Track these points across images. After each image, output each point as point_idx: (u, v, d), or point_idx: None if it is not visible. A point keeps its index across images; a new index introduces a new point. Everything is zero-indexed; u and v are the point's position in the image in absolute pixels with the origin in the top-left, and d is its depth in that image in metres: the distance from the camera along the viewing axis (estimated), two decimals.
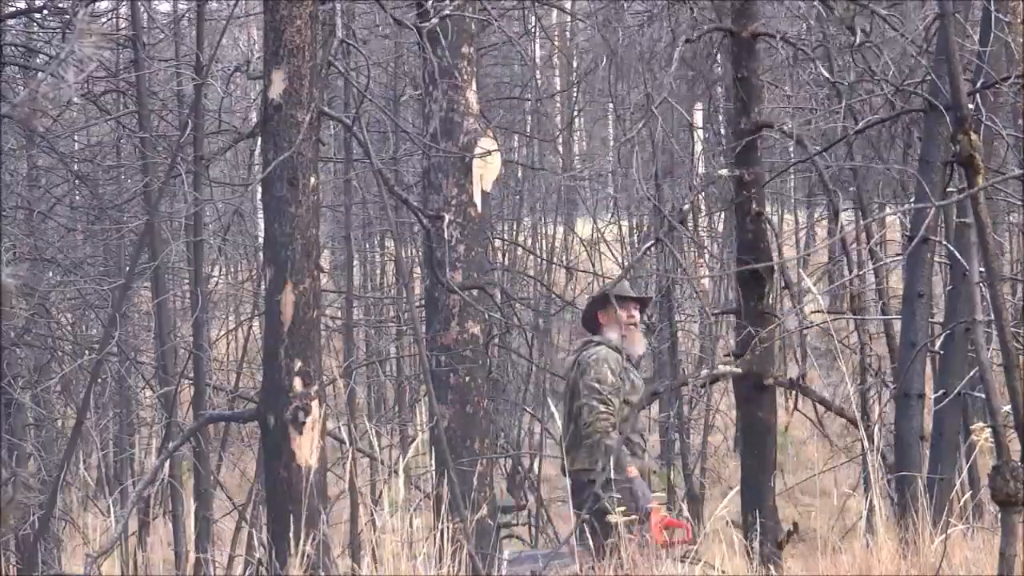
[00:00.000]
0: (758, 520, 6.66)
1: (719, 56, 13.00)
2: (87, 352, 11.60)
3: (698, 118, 14.77)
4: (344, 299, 14.59)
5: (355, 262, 18.38)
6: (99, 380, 12.27)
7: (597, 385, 7.32)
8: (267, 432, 6.08)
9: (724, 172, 7.50)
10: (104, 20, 13.40)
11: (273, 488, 6.06)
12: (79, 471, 11.85)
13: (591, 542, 6.78)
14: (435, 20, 6.77)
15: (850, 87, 8.74)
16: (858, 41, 7.40)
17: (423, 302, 9.65)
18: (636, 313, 7.69)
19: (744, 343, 7.26)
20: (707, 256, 15.80)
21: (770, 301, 7.31)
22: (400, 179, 14.59)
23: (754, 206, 7.09)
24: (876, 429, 7.49)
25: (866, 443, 6.92)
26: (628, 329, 7.58)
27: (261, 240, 9.06)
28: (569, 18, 17.21)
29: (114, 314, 9.57)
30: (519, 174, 18.01)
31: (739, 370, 7.27)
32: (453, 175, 9.15)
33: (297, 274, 6.06)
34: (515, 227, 18.53)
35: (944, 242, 8.56)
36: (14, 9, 11.63)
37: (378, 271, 21.08)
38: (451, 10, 7.45)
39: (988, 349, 6.49)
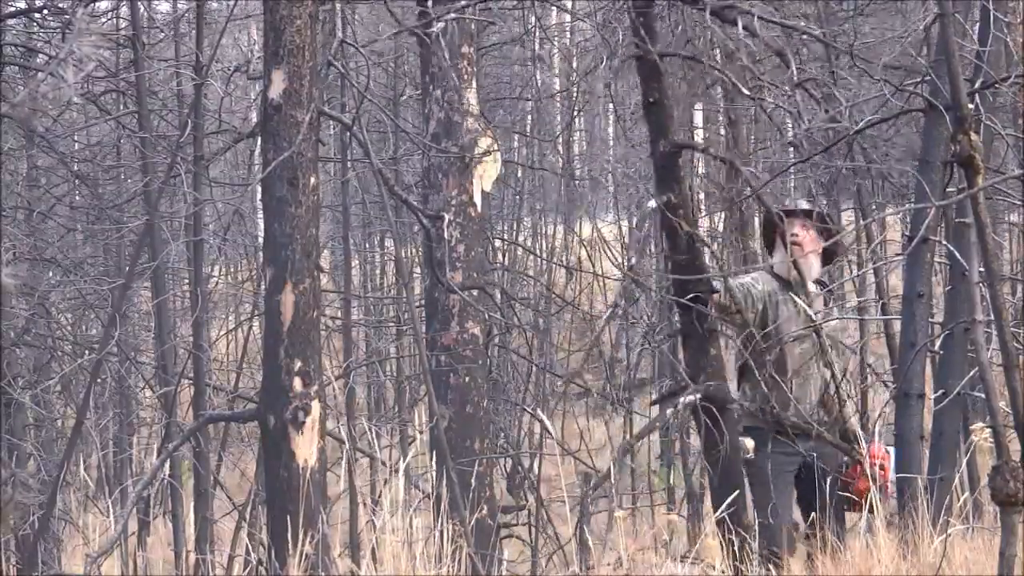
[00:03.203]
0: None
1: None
2: (87, 352, 11.60)
3: (698, 118, 14.78)
4: (343, 299, 14.59)
5: (355, 262, 18.39)
6: (99, 380, 12.27)
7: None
8: (267, 432, 6.08)
9: (651, 204, 7.19)
10: (104, 20, 13.40)
11: (273, 488, 6.06)
12: (79, 471, 11.84)
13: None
14: (440, 25, 6.71)
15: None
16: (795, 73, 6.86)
17: (423, 302, 9.65)
18: (800, 231, 7.01)
19: (694, 366, 6.93)
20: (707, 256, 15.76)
21: (713, 321, 6.85)
22: (400, 179, 14.60)
23: (684, 227, 6.75)
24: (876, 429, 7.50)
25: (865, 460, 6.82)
26: (793, 250, 7.00)
27: (261, 240, 9.06)
28: (569, 17, 17.21)
29: (114, 314, 9.57)
30: (519, 174, 18.01)
31: (695, 396, 6.84)
32: (453, 175, 9.16)
33: (297, 274, 6.06)
34: (515, 227, 18.53)
35: (944, 242, 8.56)
36: (14, 9, 11.62)
37: (378, 271, 21.09)
38: (455, 13, 7.40)
39: (988, 349, 6.47)
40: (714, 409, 6.58)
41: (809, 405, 7.00)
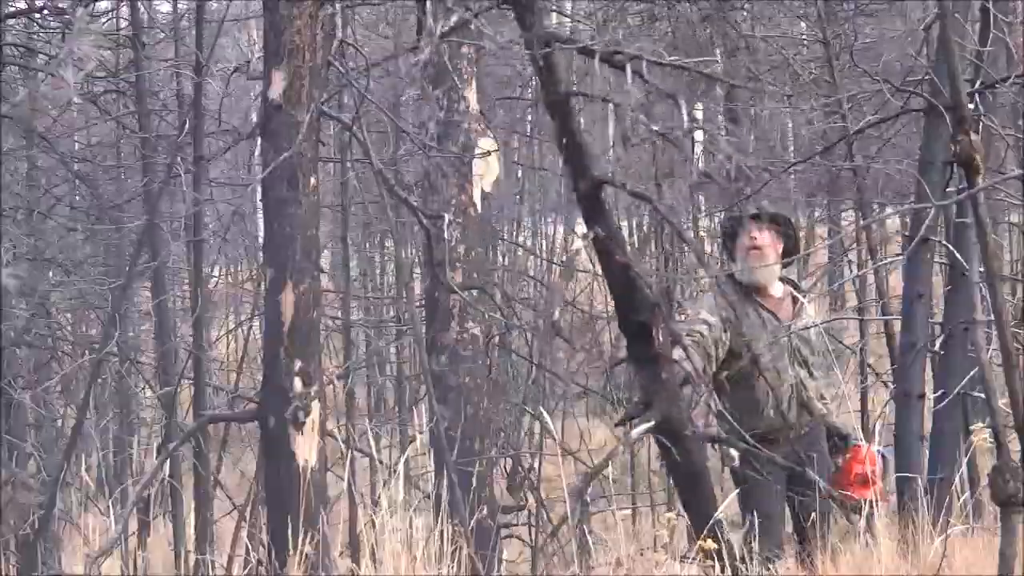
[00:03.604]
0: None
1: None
2: (86, 352, 11.60)
3: (698, 118, 14.77)
4: (343, 299, 14.59)
5: (355, 262, 18.39)
6: (99, 380, 12.27)
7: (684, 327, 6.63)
8: (267, 432, 6.08)
9: (579, 242, 7.13)
10: (104, 20, 13.40)
11: (273, 488, 6.07)
12: (79, 471, 11.84)
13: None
14: (427, 52, 6.63)
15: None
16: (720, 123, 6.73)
17: (423, 302, 9.65)
18: (757, 235, 6.88)
19: (648, 391, 6.86)
20: (707, 257, 15.77)
21: (660, 345, 6.76)
22: (400, 179, 14.59)
23: (618, 258, 6.71)
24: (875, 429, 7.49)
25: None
26: (750, 255, 6.89)
27: (261, 240, 9.06)
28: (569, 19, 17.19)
29: (114, 314, 9.57)
30: (519, 174, 18.00)
31: (650, 423, 6.76)
32: (453, 175, 9.16)
33: (297, 274, 6.06)
34: (515, 227, 18.53)
35: (944, 242, 8.56)
36: (14, 9, 11.62)
37: (378, 271, 21.08)
38: (454, 22, 7.36)
39: (988, 349, 6.48)
40: (672, 434, 6.57)
41: (786, 408, 6.93)
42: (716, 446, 6.75)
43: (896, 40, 11.91)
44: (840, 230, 16.31)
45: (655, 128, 6.20)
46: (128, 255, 13.11)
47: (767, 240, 6.97)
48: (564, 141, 6.50)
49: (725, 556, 6.04)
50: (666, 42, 12.26)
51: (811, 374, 7.07)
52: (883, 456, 7.06)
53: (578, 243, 7.22)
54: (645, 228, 17.66)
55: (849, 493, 6.90)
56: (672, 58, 6.64)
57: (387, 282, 20.04)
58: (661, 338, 6.51)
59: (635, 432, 6.55)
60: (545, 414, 7.78)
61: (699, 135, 6.37)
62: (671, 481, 6.97)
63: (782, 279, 7.23)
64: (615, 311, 6.79)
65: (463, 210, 9.11)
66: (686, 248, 12.70)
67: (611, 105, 6.20)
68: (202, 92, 10.19)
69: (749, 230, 6.93)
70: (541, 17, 6.34)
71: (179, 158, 10.16)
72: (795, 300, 7.16)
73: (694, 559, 6.27)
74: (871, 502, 6.61)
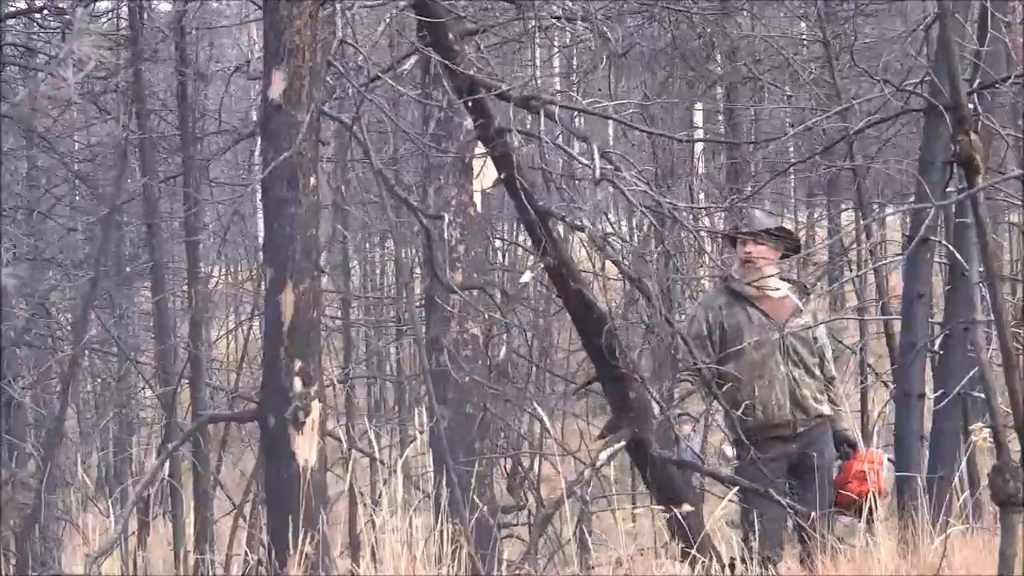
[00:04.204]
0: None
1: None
2: (67, 347, 11.60)
3: (698, 118, 14.78)
4: (343, 299, 14.59)
5: (355, 262, 18.39)
6: (98, 380, 12.27)
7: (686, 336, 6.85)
8: (267, 432, 6.08)
9: (526, 278, 7.24)
10: (104, 20, 13.40)
11: (273, 488, 6.06)
12: (77, 471, 11.85)
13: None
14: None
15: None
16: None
17: (423, 302, 9.65)
18: (751, 248, 7.15)
19: (618, 409, 6.84)
20: (707, 257, 15.78)
21: (624, 366, 6.82)
22: (400, 179, 14.59)
23: (572, 284, 6.75)
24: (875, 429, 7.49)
25: None
26: (745, 267, 7.17)
27: (261, 240, 9.05)
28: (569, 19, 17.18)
29: (85, 309, 9.56)
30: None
31: (620, 443, 6.81)
32: (453, 175, 9.16)
33: (297, 274, 6.05)
34: (515, 227, 18.52)
35: (944, 242, 8.56)
36: (14, 9, 11.63)
37: (378, 271, 21.08)
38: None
39: (988, 349, 6.48)
40: (641, 454, 6.63)
41: (778, 406, 7.04)
42: (718, 446, 6.80)
43: (896, 40, 11.91)
44: (840, 230, 16.32)
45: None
46: (128, 255, 13.13)
47: (761, 251, 7.17)
48: (503, 176, 6.55)
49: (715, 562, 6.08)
50: (665, 42, 12.28)
51: (808, 373, 7.12)
52: (891, 461, 7.11)
53: (527, 276, 7.29)
54: (645, 228, 17.66)
55: (845, 492, 6.92)
56: (590, 100, 6.84)
57: (387, 282, 20.04)
58: (623, 360, 6.58)
59: (602, 455, 6.65)
60: (539, 409, 7.76)
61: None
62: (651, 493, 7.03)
63: (787, 279, 7.33)
64: (578, 334, 6.87)
65: (463, 210, 9.11)
66: (686, 249, 12.67)
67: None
68: (199, 91, 10.18)
69: (744, 243, 7.18)
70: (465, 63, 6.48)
71: (178, 158, 10.14)
72: (800, 296, 7.25)
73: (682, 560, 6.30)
74: (871, 502, 6.61)
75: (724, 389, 6.85)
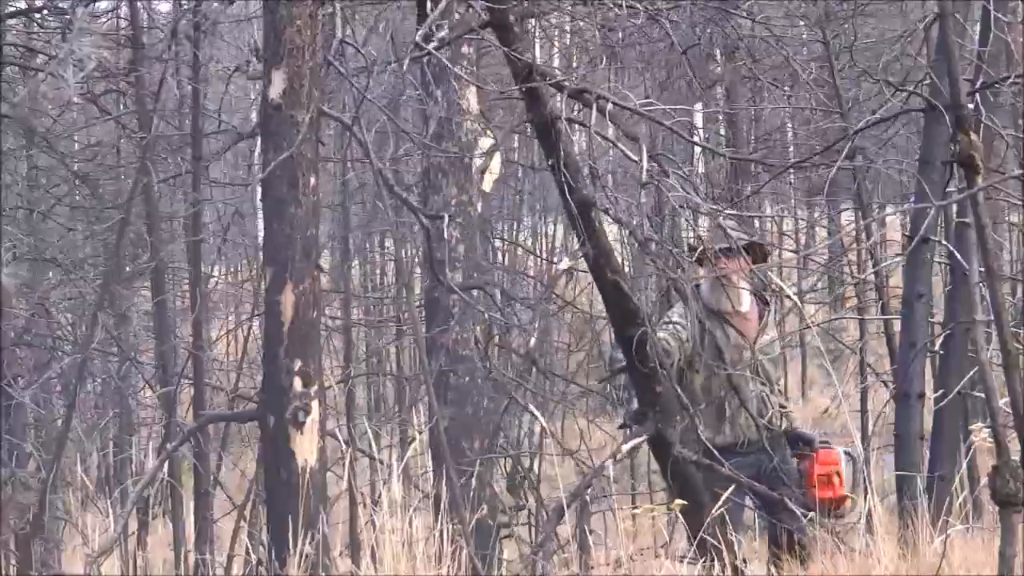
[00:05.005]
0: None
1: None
2: (70, 348, 11.59)
3: (698, 118, 14.78)
4: (343, 299, 14.59)
5: (355, 262, 18.39)
6: (99, 380, 12.27)
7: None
8: (267, 432, 6.08)
9: (564, 264, 7.25)
10: (104, 20, 13.39)
11: (273, 488, 6.06)
12: (77, 472, 11.84)
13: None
14: (433, 45, 6.63)
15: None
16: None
17: (423, 302, 9.65)
18: (726, 263, 7.04)
19: (643, 402, 6.82)
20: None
21: (655, 358, 6.84)
22: (400, 179, 14.59)
23: (609, 275, 6.77)
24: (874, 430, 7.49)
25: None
26: (714, 284, 7.13)
27: (261, 240, 9.05)
28: (569, 18, 17.20)
29: (95, 311, 9.56)
30: (519, 174, 18.00)
31: (642, 437, 6.82)
32: (453, 175, 9.15)
33: (297, 274, 6.05)
34: (515, 227, 18.53)
35: (944, 242, 8.56)
36: (14, 9, 11.62)
37: (378, 271, 21.08)
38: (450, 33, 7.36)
39: (988, 349, 6.48)
40: (663, 449, 6.64)
41: (746, 425, 7.06)
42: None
43: (896, 40, 11.91)
44: (840, 230, 16.32)
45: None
46: (127, 255, 13.12)
47: (733, 267, 7.10)
48: (551, 163, 6.57)
49: (725, 556, 6.07)
50: (665, 43, 12.26)
51: (773, 391, 7.18)
52: (849, 455, 7.08)
53: (564, 263, 7.29)
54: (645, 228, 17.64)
55: (810, 498, 6.94)
56: (644, 100, 6.81)
57: (387, 282, 20.04)
58: (653, 353, 6.61)
59: (625, 447, 6.67)
60: (534, 410, 7.76)
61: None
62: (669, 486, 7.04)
63: (751, 292, 7.34)
64: (611, 325, 6.87)
65: (463, 210, 9.11)
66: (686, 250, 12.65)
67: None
68: (200, 92, 10.17)
69: (718, 260, 7.06)
70: (524, 46, 6.45)
71: (180, 158, 10.14)
72: (760, 316, 7.25)
73: (692, 560, 6.29)
74: (869, 504, 6.61)
75: (703, 407, 6.91)
